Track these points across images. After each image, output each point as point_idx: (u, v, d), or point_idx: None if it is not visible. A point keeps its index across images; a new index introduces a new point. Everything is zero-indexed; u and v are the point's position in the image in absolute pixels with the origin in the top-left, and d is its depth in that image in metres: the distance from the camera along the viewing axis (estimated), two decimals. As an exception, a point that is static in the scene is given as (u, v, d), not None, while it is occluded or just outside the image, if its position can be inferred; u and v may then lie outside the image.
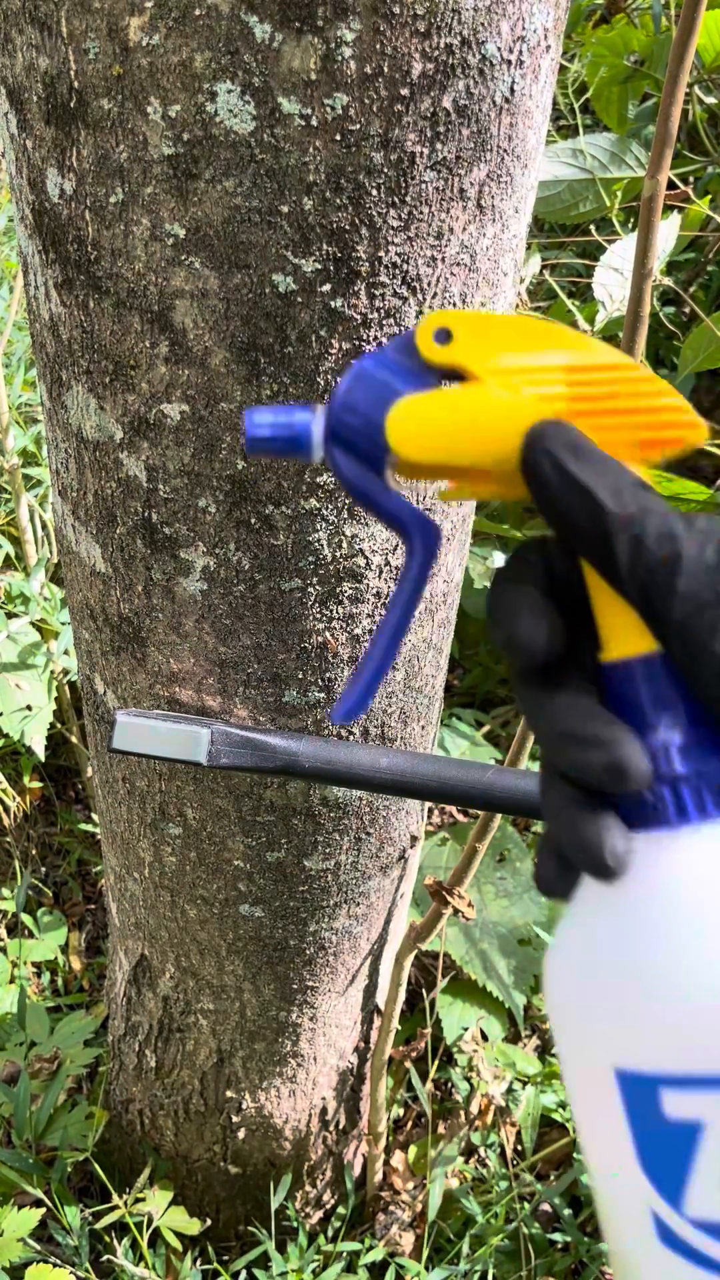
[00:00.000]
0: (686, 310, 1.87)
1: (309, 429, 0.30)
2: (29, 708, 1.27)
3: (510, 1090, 1.23)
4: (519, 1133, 1.20)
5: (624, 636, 0.27)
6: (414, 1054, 1.09)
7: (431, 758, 0.60)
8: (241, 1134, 0.98)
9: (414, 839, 0.86)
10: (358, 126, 0.45)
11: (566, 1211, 1.13)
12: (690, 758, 0.26)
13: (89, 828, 1.49)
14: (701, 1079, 0.23)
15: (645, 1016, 0.24)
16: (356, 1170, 1.13)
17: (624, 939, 0.25)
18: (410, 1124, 1.27)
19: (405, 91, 0.45)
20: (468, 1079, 1.24)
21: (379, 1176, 1.15)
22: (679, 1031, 0.24)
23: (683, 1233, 0.24)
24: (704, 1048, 0.23)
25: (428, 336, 0.30)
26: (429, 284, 0.51)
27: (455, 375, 0.30)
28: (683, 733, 0.26)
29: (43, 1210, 0.96)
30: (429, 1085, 1.13)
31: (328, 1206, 1.12)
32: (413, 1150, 1.20)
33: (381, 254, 0.49)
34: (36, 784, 1.52)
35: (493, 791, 0.58)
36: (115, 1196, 0.98)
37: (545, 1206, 1.18)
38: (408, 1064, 1.13)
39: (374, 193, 0.47)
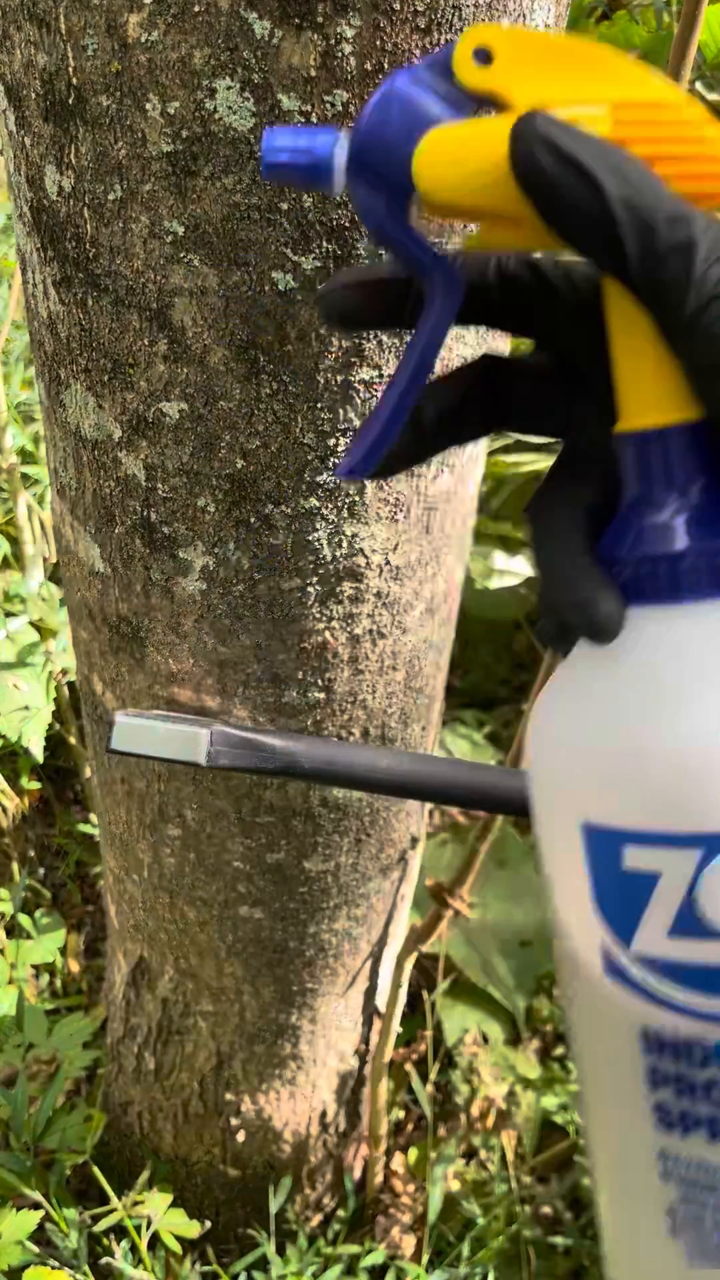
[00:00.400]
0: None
1: (330, 154, 0.28)
2: (27, 708, 1.27)
3: (511, 1093, 1.23)
4: (520, 1136, 1.20)
5: (643, 405, 0.27)
6: (414, 1056, 1.08)
7: (432, 758, 0.60)
8: (241, 1137, 0.98)
9: (415, 841, 0.86)
10: (358, 123, 0.45)
11: (567, 1215, 1.13)
12: (695, 534, 0.26)
13: (88, 829, 1.49)
14: (662, 836, 0.26)
15: (618, 774, 0.26)
16: (357, 1173, 1.13)
17: (609, 700, 0.27)
18: (410, 1127, 1.27)
19: (406, 87, 0.45)
20: (468, 1082, 1.24)
21: (379, 1179, 1.14)
22: (646, 790, 0.26)
23: (627, 965, 0.27)
24: (668, 807, 0.25)
25: (467, 56, 0.27)
26: (430, 282, 0.51)
27: (494, 103, 0.27)
28: (693, 508, 0.26)
29: (41, 1213, 0.95)
30: (429, 1088, 1.12)
31: (328, 1209, 1.12)
32: (413, 1153, 1.20)
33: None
34: (35, 785, 1.51)
35: (494, 793, 0.58)
36: (114, 1199, 0.98)
37: (546, 1210, 1.18)
38: (408, 1066, 1.13)
39: (374, 190, 0.47)
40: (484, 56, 0.27)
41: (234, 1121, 0.97)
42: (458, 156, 0.26)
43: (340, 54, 0.43)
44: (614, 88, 0.25)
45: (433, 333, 0.29)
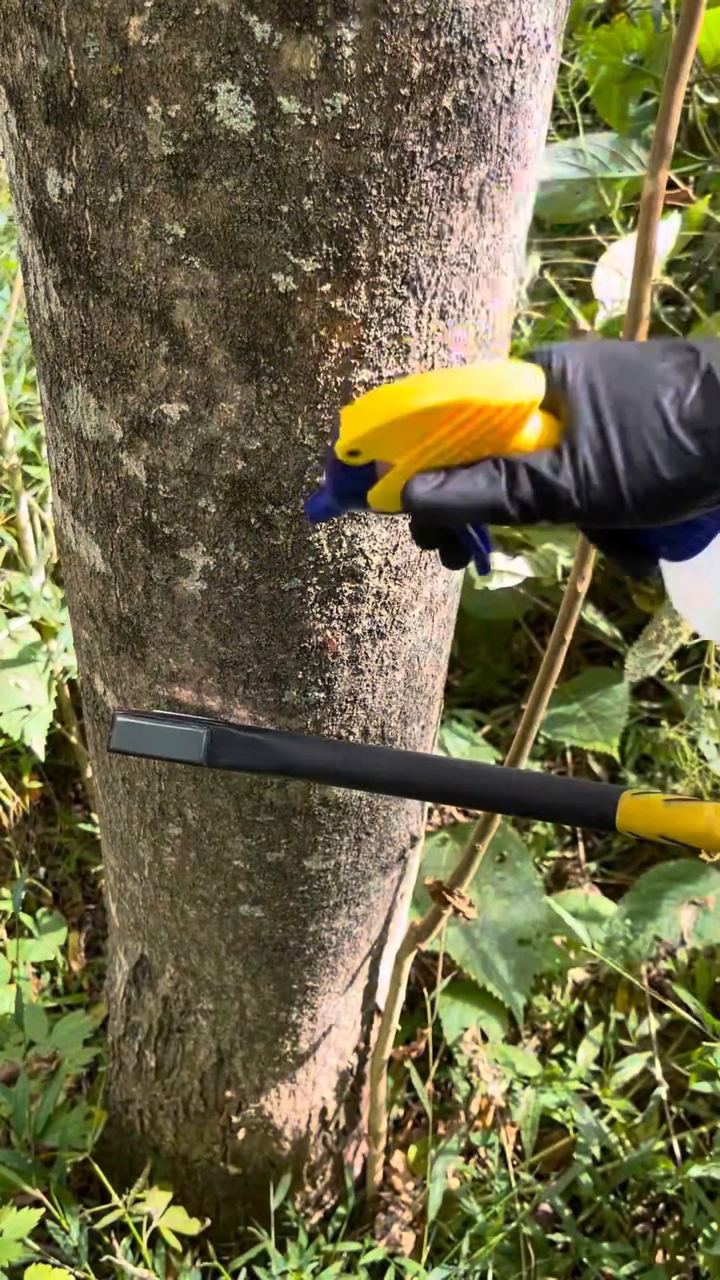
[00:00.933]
0: (687, 310, 1.86)
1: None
2: (29, 707, 1.27)
3: (510, 1091, 1.23)
4: (519, 1133, 1.20)
5: None
6: (414, 1054, 1.09)
7: (431, 758, 0.60)
8: (241, 1134, 0.98)
9: (414, 839, 0.86)
10: (358, 126, 0.45)
11: (566, 1212, 1.13)
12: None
13: (89, 828, 1.49)
14: None
15: None
16: (356, 1170, 1.13)
17: None
18: (410, 1124, 1.27)
19: (405, 91, 0.45)
20: (468, 1079, 1.24)
21: (379, 1177, 1.15)
22: None
23: None
24: None
25: (345, 454, 0.45)
26: (429, 283, 0.51)
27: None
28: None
29: (42, 1210, 0.96)
30: (429, 1085, 1.13)
31: (328, 1207, 1.12)
32: (413, 1150, 1.20)
33: (381, 254, 0.49)
34: (36, 784, 1.52)
35: (491, 792, 0.58)
36: (115, 1197, 0.98)
37: (545, 1207, 1.18)
38: (408, 1064, 1.13)
39: (374, 192, 0.47)
40: (354, 454, 0.44)
41: (234, 1119, 0.97)
42: (380, 492, 0.45)
43: (340, 57, 0.43)
44: (425, 421, 0.42)
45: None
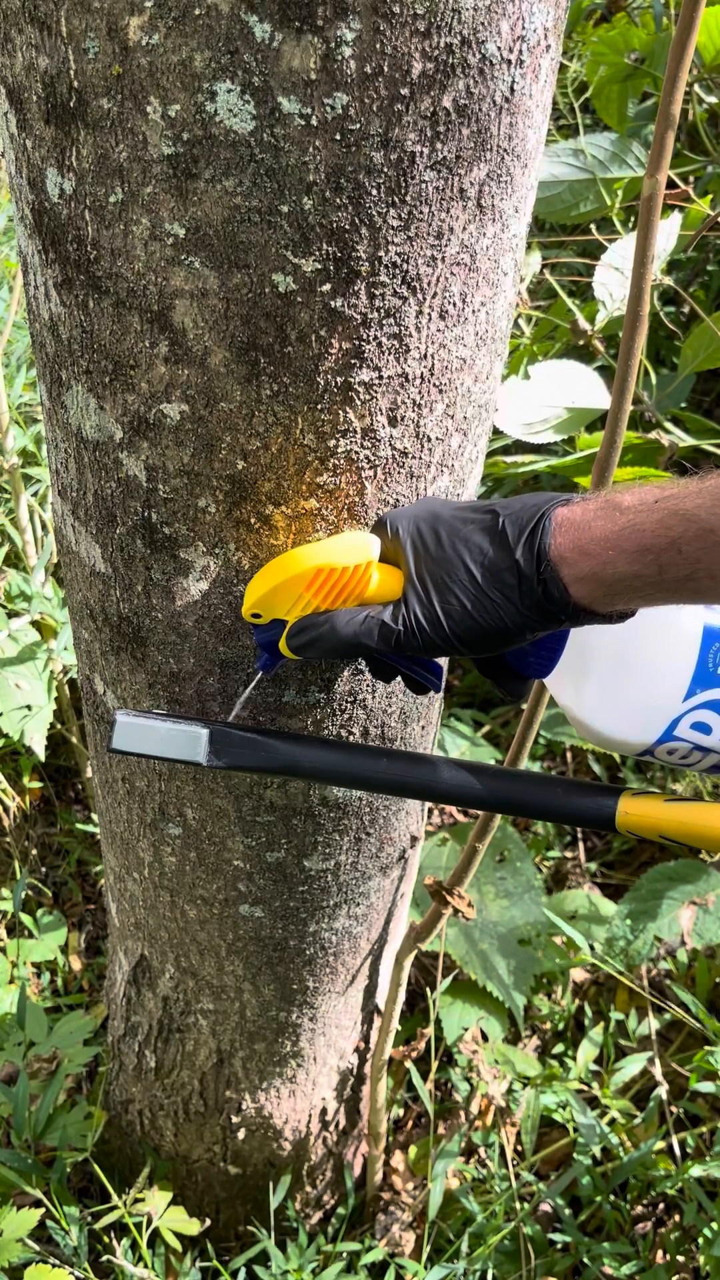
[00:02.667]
0: (686, 310, 1.86)
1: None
2: (29, 707, 1.27)
3: (510, 1091, 1.23)
4: (519, 1133, 1.20)
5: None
6: (414, 1054, 1.09)
7: (430, 758, 0.60)
8: (241, 1134, 0.98)
9: (414, 839, 0.86)
10: (358, 126, 0.45)
11: (566, 1212, 1.13)
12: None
13: (89, 828, 1.49)
14: None
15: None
16: (356, 1170, 1.13)
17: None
18: (410, 1124, 1.27)
19: (405, 91, 0.45)
20: (468, 1079, 1.24)
21: (379, 1176, 1.15)
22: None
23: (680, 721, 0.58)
24: None
25: (250, 618, 0.57)
26: (429, 283, 0.51)
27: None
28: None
29: (42, 1210, 0.96)
30: (429, 1085, 1.13)
31: (328, 1207, 1.12)
32: (413, 1150, 1.20)
33: (381, 254, 0.49)
34: (36, 784, 1.52)
35: (491, 792, 0.58)
36: (115, 1197, 0.98)
37: (545, 1207, 1.18)
38: (408, 1064, 1.13)
39: (374, 192, 0.47)
40: (257, 615, 0.57)
41: (234, 1119, 0.97)
42: (285, 643, 0.57)
43: (340, 57, 0.43)
44: (299, 588, 0.54)
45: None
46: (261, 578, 0.56)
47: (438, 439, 0.58)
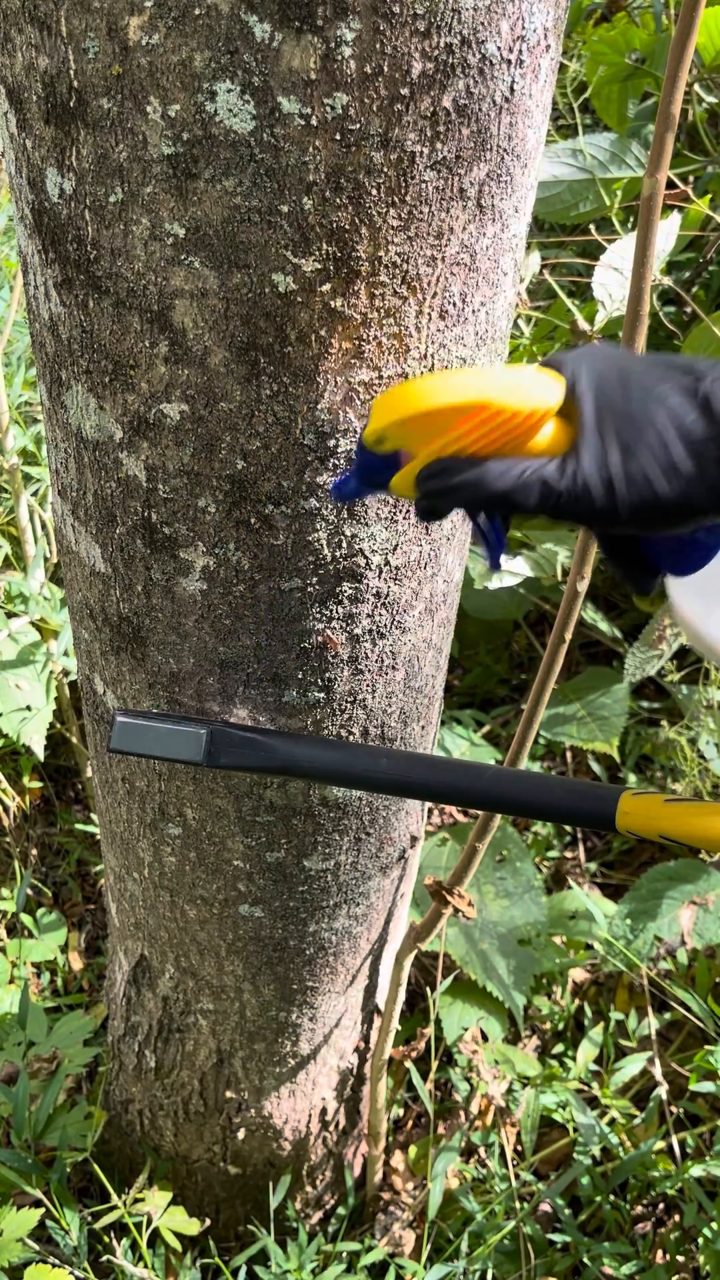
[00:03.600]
0: (687, 310, 1.86)
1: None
2: (29, 708, 1.27)
3: (510, 1091, 1.23)
4: (519, 1133, 1.20)
5: None
6: (414, 1054, 1.09)
7: (430, 758, 0.60)
8: (241, 1134, 0.98)
9: (414, 839, 0.86)
10: (358, 126, 0.45)
11: (566, 1212, 1.13)
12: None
13: (89, 828, 1.49)
14: None
15: None
16: (356, 1170, 1.13)
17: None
18: (410, 1124, 1.27)
19: (405, 91, 0.45)
20: (468, 1079, 1.24)
21: (379, 1176, 1.15)
22: None
23: None
24: None
25: (372, 443, 0.47)
26: (429, 283, 0.51)
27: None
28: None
29: (42, 1210, 0.96)
30: (429, 1085, 1.13)
31: (328, 1207, 1.12)
32: (413, 1150, 1.20)
33: (381, 253, 0.49)
34: (36, 784, 1.52)
35: (491, 792, 0.58)
36: (115, 1197, 0.98)
37: (545, 1207, 1.18)
38: (408, 1064, 1.13)
39: (374, 192, 0.47)
40: (380, 441, 0.47)
41: (234, 1119, 0.97)
42: (403, 479, 0.47)
43: (340, 57, 0.43)
44: (450, 421, 0.44)
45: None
46: (404, 398, 0.45)
47: (438, 439, 0.58)
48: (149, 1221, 0.99)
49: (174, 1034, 0.93)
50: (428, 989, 1.34)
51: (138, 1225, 1.00)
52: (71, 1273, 0.94)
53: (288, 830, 0.73)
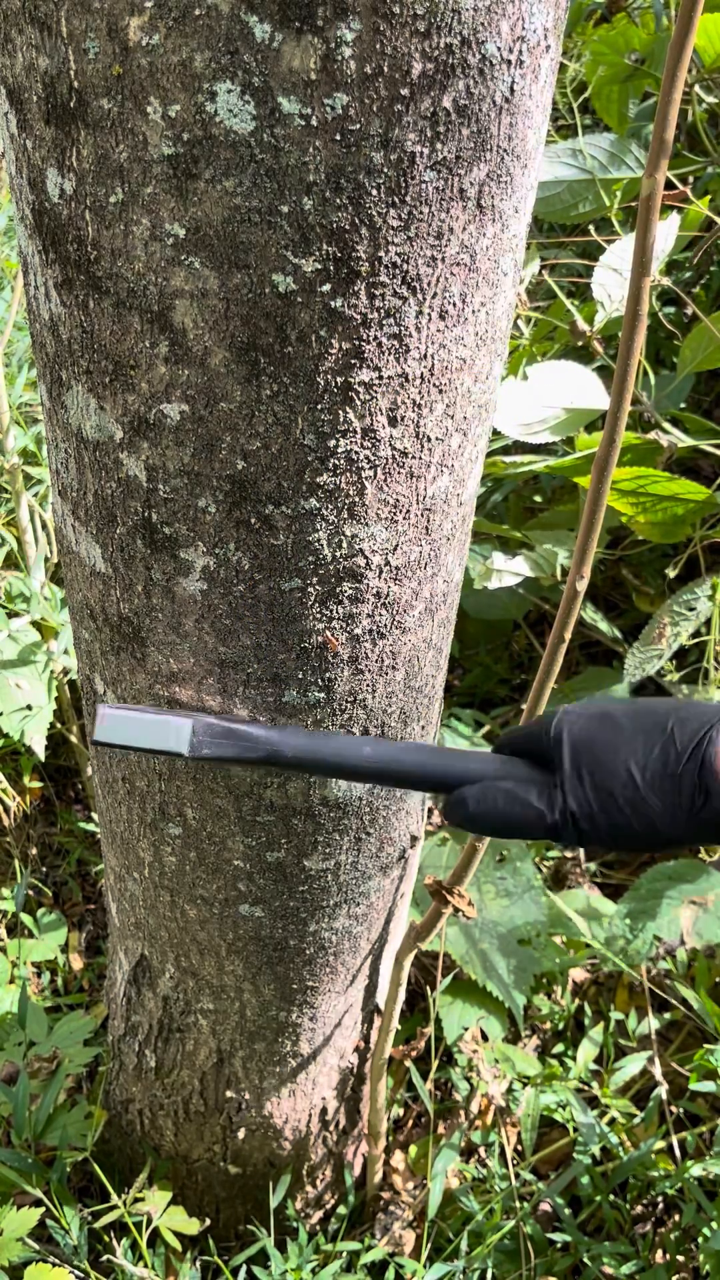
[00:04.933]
0: (687, 310, 1.87)
1: None
2: (29, 707, 1.27)
3: (510, 1090, 1.23)
4: (519, 1133, 1.20)
5: None
6: (414, 1053, 1.09)
7: (415, 746, 0.60)
8: (241, 1134, 0.98)
9: (414, 839, 0.86)
10: (358, 126, 0.45)
11: (566, 1211, 1.13)
12: None
13: (89, 828, 1.49)
14: None
15: None
16: (356, 1170, 1.13)
17: None
18: (410, 1124, 1.27)
19: (405, 91, 0.45)
20: (467, 1079, 1.24)
21: (379, 1176, 1.15)
22: None
23: None
24: None
25: None
26: (429, 284, 0.51)
27: None
28: None
29: (42, 1210, 0.96)
30: (429, 1084, 1.13)
31: (328, 1206, 1.12)
32: (413, 1150, 1.20)
33: (381, 254, 0.49)
34: (36, 784, 1.52)
35: (477, 779, 0.58)
36: (115, 1196, 0.98)
37: (545, 1206, 1.18)
38: (408, 1064, 1.13)
39: (374, 193, 0.47)
40: None
41: (234, 1119, 0.97)
42: None
43: (340, 57, 0.43)
44: None
45: None
46: None
47: (438, 439, 0.58)
48: (149, 1221, 0.99)
49: (174, 1034, 0.93)
50: (428, 988, 1.34)
51: (137, 1225, 1.00)
52: (71, 1272, 0.94)
53: (288, 830, 0.73)
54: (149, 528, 0.59)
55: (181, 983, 0.88)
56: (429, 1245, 1.08)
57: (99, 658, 0.70)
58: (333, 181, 0.46)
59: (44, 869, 1.51)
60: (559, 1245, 1.12)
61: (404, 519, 0.60)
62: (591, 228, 1.75)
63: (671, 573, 1.36)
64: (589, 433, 1.33)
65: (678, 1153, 1.18)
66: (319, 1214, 1.11)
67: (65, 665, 1.35)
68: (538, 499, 1.84)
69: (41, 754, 1.27)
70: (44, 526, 1.46)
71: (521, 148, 0.51)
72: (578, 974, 1.41)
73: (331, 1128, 1.04)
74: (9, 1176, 1.01)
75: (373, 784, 0.71)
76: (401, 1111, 1.28)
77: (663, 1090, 1.21)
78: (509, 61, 0.47)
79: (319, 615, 0.61)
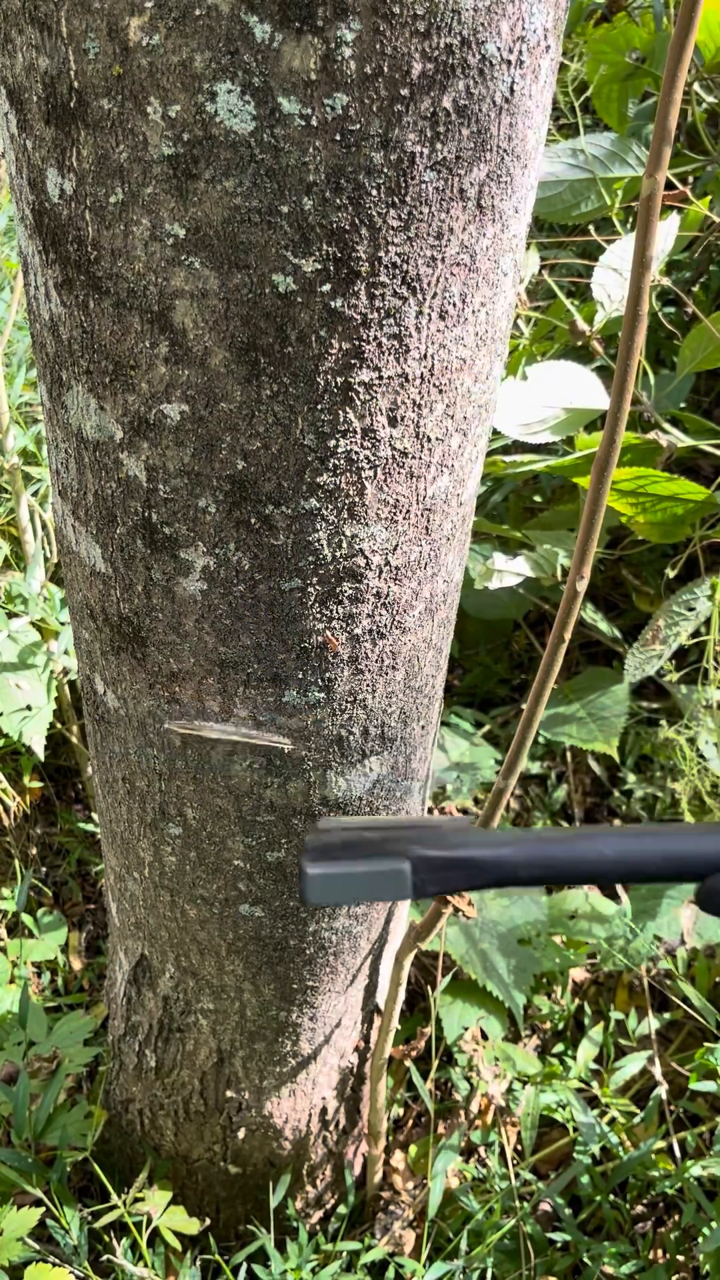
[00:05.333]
0: (687, 310, 1.87)
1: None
2: (29, 707, 1.27)
3: (510, 1090, 1.23)
4: (519, 1132, 1.20)
5: None
6: (414, 1053, 1.09)
7: (654, 830, 0.52)
8: (241, 1134, 0.98)
9: (414, 839, 0.86)
10: (358, 126, 0.45)
11: (566, 1211, 1.13)
12: None
13: (89, 828, 1.49)
14: None
15: None
16: (356, 1170, 1.13)
17: None
18: (410, 1123, 1.27)
19: (405, 91, 0.45)
20: (467, 1079, 1.24)
21: (379, 1176, 1.15)
22: None
23: None
24: None
25: None
26: (429, 284, 0.51)
27: None
28: None
29: (42, 1210, 0.96)
30: (429, 1084, 1.13)
31: (328, 1206, 1.12)
32: (413, 1149, 1.20)
33: (381, 254, 0.49)
34: (36, 784, 1.52)
35: None
36: (115, 1196, 0.98)
37: (545, 1206, 1.18)
38: (408, 1063, 1.13)
39: (374, 193, 0.47)
40: None
41: (234, 1119, 0.97)
42: None
43: (340, 57, 0.43)
44: None
45: None
46: None
47: (438, 439, 0.58)
48: (149, 1221, 0.99)
49: (174, 1033, 0.93)
50: (428, 988, 1.34)
51: (137, 1225, 1.00)
52: (71, 1272, 0.95)
53: (288, 830, 0.73)
54: (149, 528, 0.59)
55: (181, 982, 0.88)
56: (429, 1245, 1.08)
57: (99, 658, 0.70)
58: (333, 181, 0.46)
59: (44, 869, 1.51)
60: (559, 1245, 1.12)
61: (404, 519, 0.60)
62: (591, 228, 1.75)
63: (671, 573, 1.36)
64: (589, 433, 1.33)
65: (678, 1152, 1.18)
66: (319, 1214, 1.11)
67: (65, 665, 1.35)
68: (538, 499, 1.84)
69: (41, 754, 1.27)
70: (44, 526, 1.46)
71: (521, 148, 0.51)
72: (578, 974, 1.41)
73: (331, 1127, 1.04)
74: (9, 1176, 1.01)
75: (620, 883, 0.65)
76: (401, 1111, 1.28)
77: (663, 1090, 1.21)
78: (509, 62, 0.47)
79: (319, 615, 0.61)
